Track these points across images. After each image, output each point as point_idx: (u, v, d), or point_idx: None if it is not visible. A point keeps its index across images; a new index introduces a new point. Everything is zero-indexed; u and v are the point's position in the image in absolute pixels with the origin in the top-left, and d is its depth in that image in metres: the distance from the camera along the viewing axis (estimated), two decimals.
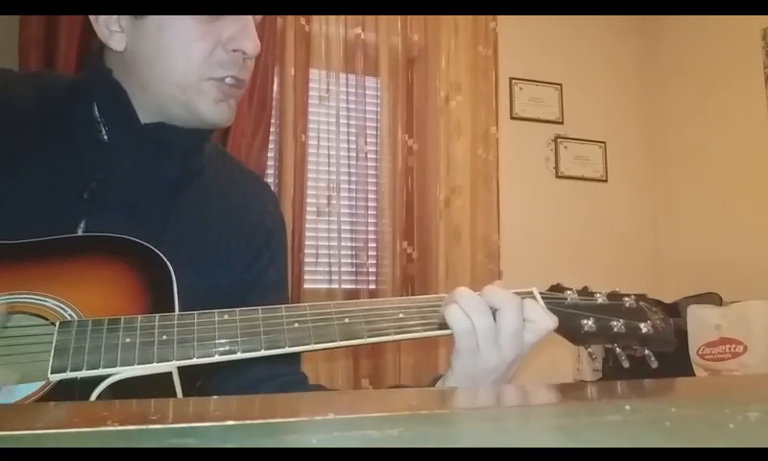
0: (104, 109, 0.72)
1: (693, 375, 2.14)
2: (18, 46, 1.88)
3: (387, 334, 0.60)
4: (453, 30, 2.53)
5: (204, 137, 0.77)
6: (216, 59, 0.70)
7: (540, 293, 0.67)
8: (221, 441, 0.23)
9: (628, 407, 0.28)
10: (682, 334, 2.17)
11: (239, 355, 0.56)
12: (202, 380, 0.69)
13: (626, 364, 0.67)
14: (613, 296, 0.70)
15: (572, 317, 0.66)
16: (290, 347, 0.57)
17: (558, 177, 2.76)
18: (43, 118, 0.73)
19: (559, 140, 2.77)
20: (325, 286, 2.28)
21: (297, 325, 0.58)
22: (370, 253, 2.35)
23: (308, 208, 2.29)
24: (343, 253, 2.32)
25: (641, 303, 0.70)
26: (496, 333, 0.60)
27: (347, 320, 0.60)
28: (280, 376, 0.76)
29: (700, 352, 2.17)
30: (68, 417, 0.32)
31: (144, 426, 0.24)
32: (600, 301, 0.69)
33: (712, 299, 2.28)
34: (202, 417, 0.31)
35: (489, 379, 0.62)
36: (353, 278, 2.33)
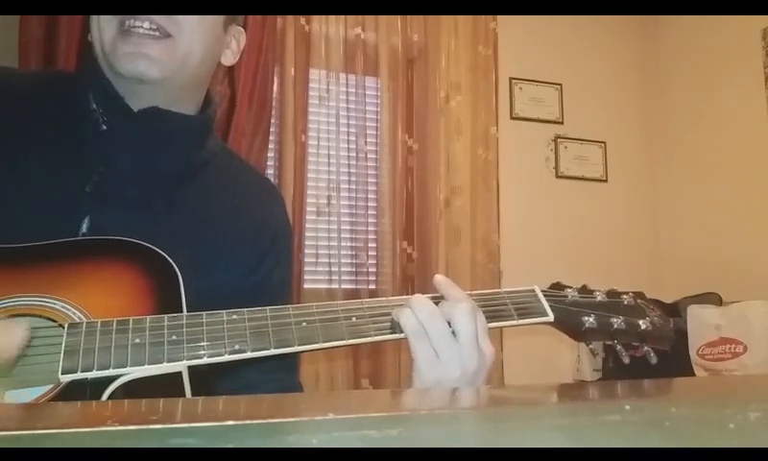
0: (98, 98, 0.72)
1: (693, 375, 2.14)
2: (18, 46, 1.88)
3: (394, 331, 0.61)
4: (453, 30, 2.53)
5: (203, 127, 0.77)
6: None
7: (542, 290, 0.68)
8: (221, 441, 0.23)
9: (628, 407, 0.28)
10: (682, 334, 2.17)
11: (249, 355, 0.56)
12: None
13: (626, 360, 0.68)
14: (612, 294, 0.71)
15: (574, 314, 0.67)
16: (299, 345, 0.58)
17: (558, 177, 2.76)
18: (45, 113, 0.73)
19: (559, 140, 2.76)
20: (325, 286, 2.28)
21: (305, 324, 0.59)
22: (370, 253, 2.35)
23: (308, 208, 2.29)
24: (343, 253, 2.32)
25: (639, 300, 0.72)
26: (453, 339, 0.58)
27: (354, 319, 0.60)
28: (273, 381, 0.74)
29: (700, 352, 2.17)
30: (68, 417, 0.32)
31: (144, 426, 0.23)
32: (600, 298, 0.70)
33: (712, 299, 2.28)
34: (202, 417, 0.31)
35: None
36: (353, 278, 2.33)
